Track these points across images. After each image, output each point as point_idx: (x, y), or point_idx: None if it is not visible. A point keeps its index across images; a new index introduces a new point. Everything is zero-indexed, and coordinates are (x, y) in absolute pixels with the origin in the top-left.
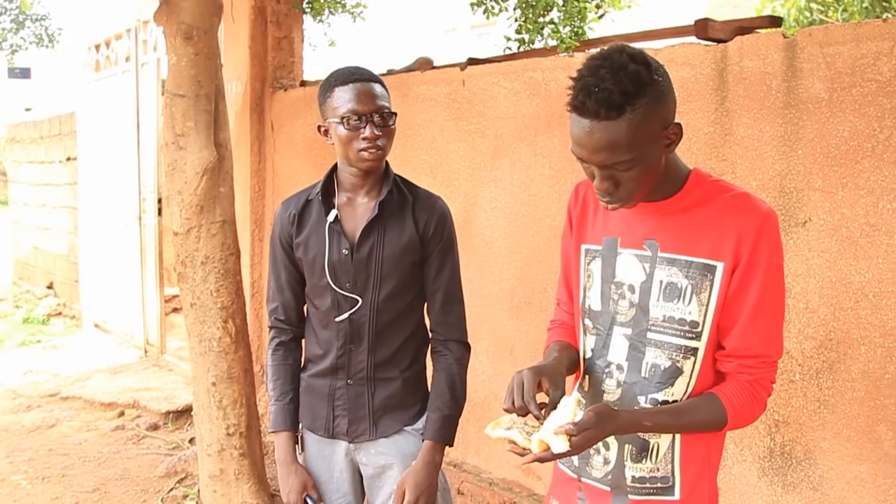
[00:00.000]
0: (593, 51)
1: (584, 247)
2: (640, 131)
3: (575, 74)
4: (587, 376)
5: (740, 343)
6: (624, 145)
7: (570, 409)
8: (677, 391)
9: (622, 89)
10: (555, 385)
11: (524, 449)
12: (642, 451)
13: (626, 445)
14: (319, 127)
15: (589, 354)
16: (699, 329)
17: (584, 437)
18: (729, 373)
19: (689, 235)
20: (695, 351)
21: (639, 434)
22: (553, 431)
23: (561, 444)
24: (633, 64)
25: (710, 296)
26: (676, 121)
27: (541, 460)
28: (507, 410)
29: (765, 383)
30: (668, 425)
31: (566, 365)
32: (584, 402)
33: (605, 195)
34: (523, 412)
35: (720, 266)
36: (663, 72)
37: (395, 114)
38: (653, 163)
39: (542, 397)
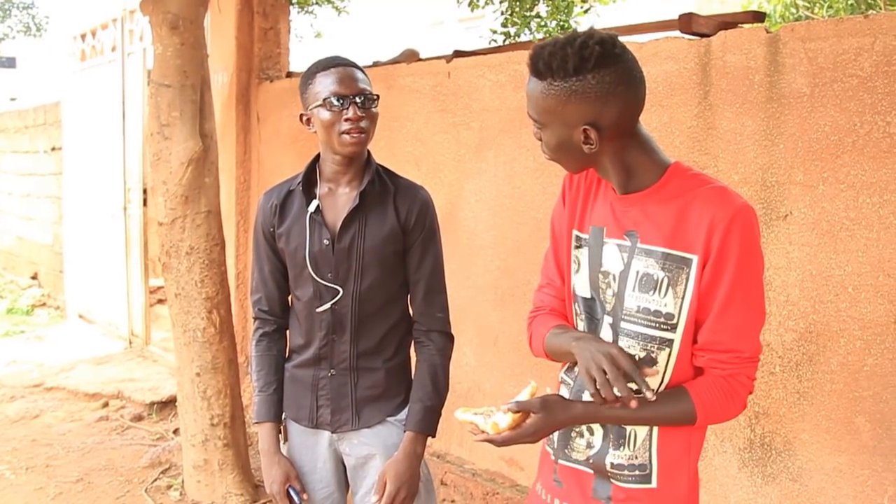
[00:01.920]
0: None
1: (574, 233)
2: (548, 105)
3: None
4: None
5: (711, 337)
6: (534, 105)
7: (526, 394)
8: (651, 382)
9: (549, 62)
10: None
11: (482, 430)
12: (620, 438)
13: (608, 432)
14: (302, 116)
15: None
16: (674, 321)
17: (532, 424)
18: (704, 367)
19: (666, 227)
20: (669, 343)
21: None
22: (502, 409)
23: (504, 420)
24: (576, 50)
25: (685, 289)
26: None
27: (492, 441)
28: (606, 399)
29: (741, 379)
30: (629, 418)
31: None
32: (562, 381)
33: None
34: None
35: (694, 259)
36: (609, 79)
37: (378, 97)
38: (563, 142)
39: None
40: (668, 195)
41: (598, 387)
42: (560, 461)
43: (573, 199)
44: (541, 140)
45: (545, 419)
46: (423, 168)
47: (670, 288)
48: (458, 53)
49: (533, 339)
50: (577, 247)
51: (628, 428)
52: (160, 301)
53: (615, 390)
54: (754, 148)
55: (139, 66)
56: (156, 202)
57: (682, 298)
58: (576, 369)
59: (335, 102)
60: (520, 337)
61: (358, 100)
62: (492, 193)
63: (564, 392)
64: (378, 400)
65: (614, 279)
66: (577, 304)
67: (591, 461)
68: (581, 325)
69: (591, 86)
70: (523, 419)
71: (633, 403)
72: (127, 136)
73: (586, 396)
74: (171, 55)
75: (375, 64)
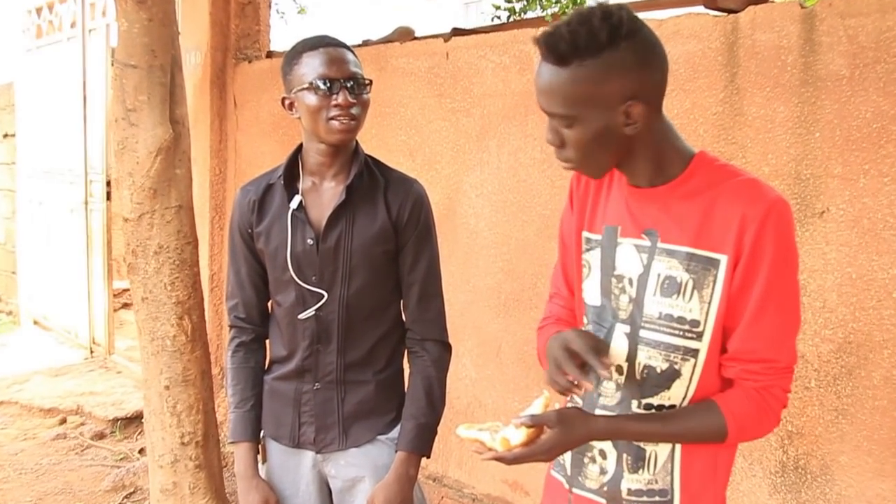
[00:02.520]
0: None
1: (584, 234)
2: (581, 90)
3: None
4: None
5: (743, 345)
6: (560, 98)
7: (539, 406)
8: (674, 395)
9: (574, 41)
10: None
11: (489, 448)
12: (638, 461)
13: (624, 454)
14: (284, 100)
15: None
16: (700, 329)
17: (547, 440)
18: (734, 379)
19: (691, 225)
20: (695, 353)
21: (634, 443)
22: (513, 424)
23: (517, 436)
24: (600, 22)
25: (712, 292)
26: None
27: (502, 459)
28: (562, 390)
29: (775, 392)
30: (655, 433)
31: None
32: (570, 398)
33: (556, 151)
34: (576, 377)
35: (723, 259)
36: (641, 45)
37: (370, 82)
38: (599, 132)
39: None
40: (693, 189)
41: (549, 375)
42: (574, 490)
43: (581, 198)
44: (561, 146)
45: (562, 434)
46: (417, 159)
47: (695, 291)
48: (458, 32)
49: (539, 351)
50: (588, 249)
51: (648, 448)
52: (125, 305)
53: (567, 377)
54: (787, 137)
55: (102, 44)
56: (121, 196)
57: (709, 303)
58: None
59: (323, 86)
60: (525, 347)
61: (349, 84)
62: (494, 187)
63: (577, 401)
64: (367, 416)
65: (631, 283)
66: (585, 314)
67: (605, 489)
68: None
69: (629, 53)
70: (537, 434)
71: (587, 385)
72: (88, 122)
73: (599, 412)
74: (137, 32)
75: (365, 43)
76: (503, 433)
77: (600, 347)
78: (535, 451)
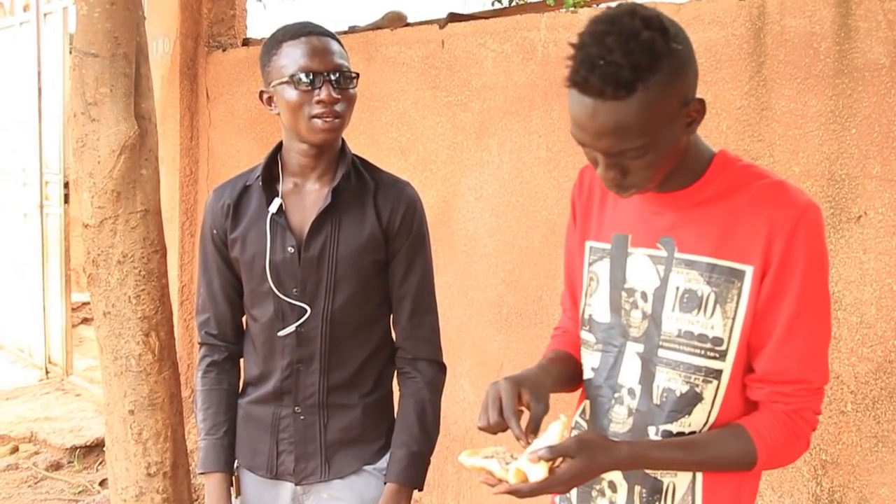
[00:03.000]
0: (602, 6)
1: (588, 244)
2: (654, 113)
3: (575, 41)
4: (587, 401)
5: (773, 366)
6: (634, 130)
7: (556, 433)
8: (695, 421)
9: (633, 63)
10: (537, 398)
11: (500, 479)
12: (654, 493)
13: (637, 486)
14: (262, 94)
15: (590, 375)
16: (723, 347)
17: (567, 470)
18: (761, 401)
19: (712, 233)
20: (718, 374)
21: (649, 471)
22: (527, 457)
23: (538, 471)
24: (646, 30)
25: (736, 307)
26: (699, 95)
27: (516, 492)
28: (483, 429)
29: (806, 415)
30: (681, 462)
31: (554, 376)
32: (575, 425)
33: (613, 185)
34: (500, 429)
35: (749, 270)
36: (683, 38)
37: (357, 75)
38: (669, 146)
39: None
40: (714, 193)
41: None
42: None
43: (585, 204)
44: (624, 175)
45: (583, 464)
46: (410, 158)
47: (718, 306)
48: (454, 17)
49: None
50: (595, 261)
51: (665, 480)
52: (85, 321)
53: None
54: (819, 133)
55: (59, 29)
56: (80, 199)
57: (733, 319)
58: (587, 411)
59: (304, 79)
60: (528, 365)
61: (333, 77)
62: (495, 190)
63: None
64: (353, 444)
65: (644, 297)
66: (590, 332)
67: None
68: (592, 360)
69: (682, 55)
70: (555, 464)
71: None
72: (44, 117)
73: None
74: (98, 17)
75: (352, 30)
76: (517, 465)
77: (539, 395)
78: (554, 483)
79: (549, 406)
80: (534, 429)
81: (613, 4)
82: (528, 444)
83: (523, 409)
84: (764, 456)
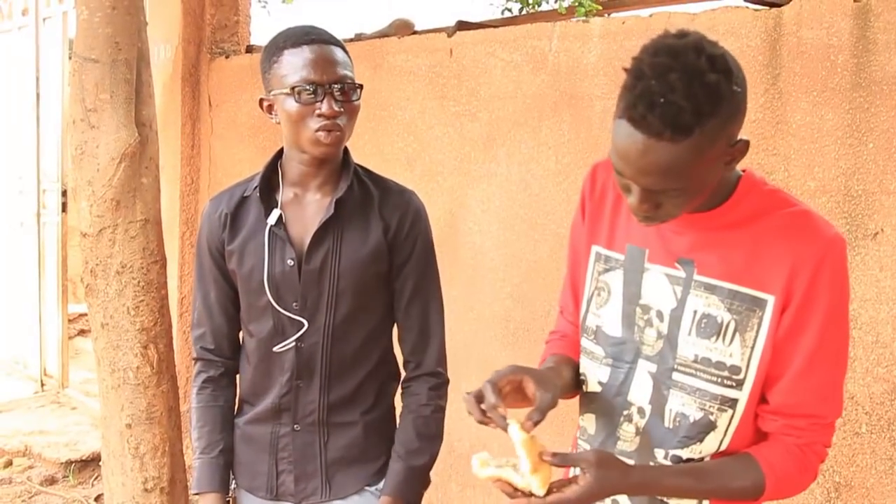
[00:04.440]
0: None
1: (596, 249)
2: (703, 156)
3: (630, 67)
4: (592, 416)
5: (789, 399)
6: (682, 171)
7: (519, 440)
8: (706, 449)
9: (696, 107)
10: (544, 388)
11: (516, 488)
12: None
13: None
14: (262, 101)
15: (597, 389)
16: (741, 376)
17: (583, 488)
18: (772, 433)
19: (736, 259)
20: (733, 403)
21: (658, 497)
22: (529, 468)
23: (538, 486)
24: (712, 73)
25: (756, 336)
26: (744, 137)
27: None
28: (476, 410)
29: (817, 448)
30: (690, 489)
31: (564, 378)
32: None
33: (641, 216)
34: (487, 410)
35: (770, 300)
36: (742, 79)
37: (361, 86)
38: (708, 185)
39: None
40: (739, 218)
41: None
42: None
43: (597, 205)
44: (656, 208)
45: (599, 481)
46: (416, 169)
47: (737, 334)
48: (463, 25)
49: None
50: (606, 270)
51: (672, 502)
52: (82, 332)
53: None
54: (836, 147)
55: (58, 34)
56: (78, 208)
57: (752, 348)
58: (581, 419)
59: (305, 92)
60: None
61: (335, 90)
62: (503, 202)
63: (583, 444)
64: (354, 463)
65: (660, 317)
66: (597, 344)
67: None
68: (603, 374)
69: (740, 98)
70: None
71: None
72: (42, 123)
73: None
74: (99, 22)
75: (359, 37)
76: (530, 472)
77: (546, 385)
78: (569, 498)
79: (557, 400)
80: (537, 419)
81: (626, 14)
82: (502, 417)
83: (530, 396)
84: (772, 488)
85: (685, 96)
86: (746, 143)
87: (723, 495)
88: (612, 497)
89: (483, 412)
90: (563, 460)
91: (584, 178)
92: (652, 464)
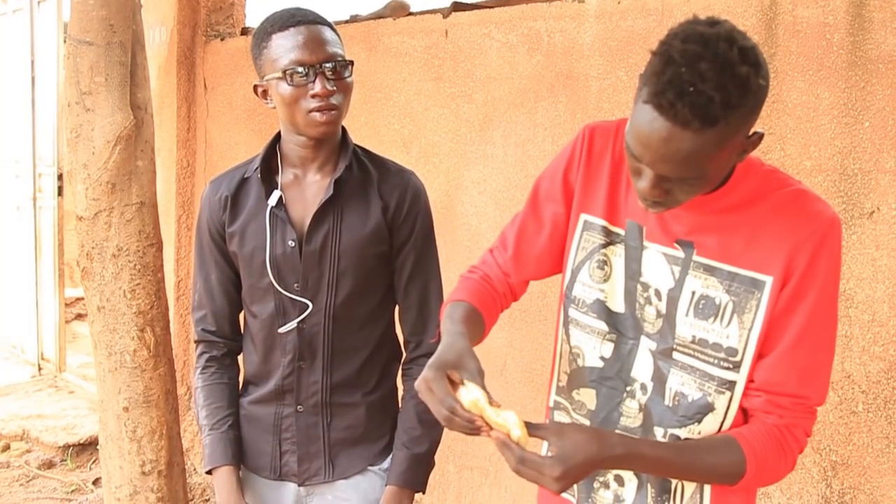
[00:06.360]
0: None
1: (586, 217)
2: (724, 147)
3: (659, 51)
4: (592, 391)
5: (773, 376)
6: (701, 161)
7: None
8: (706, 430)
9: (725, 98)
10: (468, 370)
11: (495, 428)
12: (663, 493)
13: (647, 484)
14: (256, 88)
15: (599, 364)
16: (738, 358)
17: (557, 460)
18: (755, 410)
19: (735, 241)
20: (731, 385)
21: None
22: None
23: (514, 426)
24: (743, 65)
25: (754, 318)
26: (759, 129)
27: (508, 447)
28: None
29: (797, 433)
30: (669, 462)
31: (469, 338)
32: (558, 407)
33: (649, 201)
34: (458, 424)
35: (769, 281)
36: (767, 73)
37: (351, 63)
38: (721, 174)
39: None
40: (738, 200)
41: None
42: None
43: (592, 173)
44: (666, 194)
45: (568, 448)
46: (413, 151)
47: (735, 316)
48: (458, 6)
49: (450, 298)
50: (608, 243)
51: (675, 479)
52: (79, 316)
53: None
54: (832, 126)
55: (53, 17)
56: (74, 191)
57: (750, 330)
58: (576, 393)
59: (297, 73)
60: (533, 363)
61: (326, 69)
62: (499, 183)
63: (561, 417)
64: (357, 444)
65: (658, 295)
66: (598, 319)
67: None
68: (606, 349)
69: (764, 92)
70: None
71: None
72: (37, 106)
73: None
74: (93, 4)
75: (354, 19)
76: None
77: (467, 366)
78: (545, 466)
79: (482, 368)
80: (489, 399)
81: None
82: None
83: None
84: (752, 471)
85: (715, 87)
86: (761, 136)
87: (703, 473)
88: (613, 475)
89: (471, 421)
90: (530, 428)
91: (576, 137)
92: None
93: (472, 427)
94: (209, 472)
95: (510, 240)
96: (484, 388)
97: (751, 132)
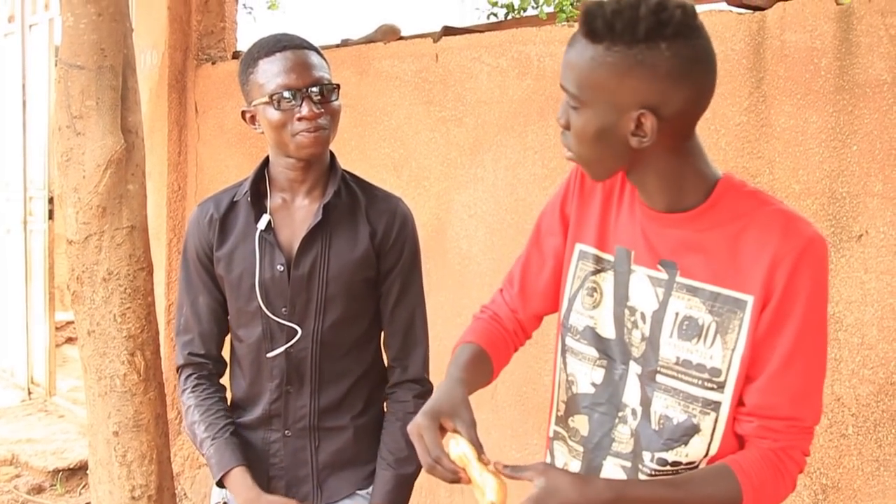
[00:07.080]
0: None
1: (581, 248)
2: (598, 77)
3: None
4: (584, 417)
5: (764, 399)
6: (577, 75)
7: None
8: (693, 453)
9: (612, 22)
10: (461, 420)
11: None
12: None
13: None
14: (244, 113)
15: (590, 390)
16: (721, 378)
17: (533, 499)
18: (748, 436)
19: (717, 260)
20: (716, 406)
21: None
22: (485, 473)
23: (490, 491)
24: (648, 11)
25: (737, 338)
26: (664, 118)
27: None
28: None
29: (794, 454)
30: (664, 499)
31: (469, 385)
32: (556, 436)
33: (561, 129)
34: (441, 473)
35: (750, 300)
36: (684, 54)
37: (338, 87)
38: (602, 130)
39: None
40: (719, 219)
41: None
42: None
43: (584, 204)
44: (566, 128)
45: (547, 488)
46: (403, 175)
47: (718, 336)
48: (449, 31)
49: (460, 340)
50: (598, 271)
51: None
52: (69, 340)
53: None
54: (820, 150)
55: (44, 41)
56: (65, 215)
57: (733, 350)
58: (571, 420)
59: (284, 98)
60: (524, 388)
61: (313, 93)
62: (490, 207)
63: (560, 450)
64: (345, 468)
65: (643, 319)
66: (588, 346)
67: None
68: (596, 376)
69: (663, 58)
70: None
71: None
72: (28, 130)
73: (611, 459)
74: (84, 28)
75: (345, 43)
76: (490, 488)
77: (461, 416)
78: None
79: (475, 420)
80: (480, 449)
81: None
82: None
83: (455, 433)
84: (749, 497)
85: (612, 11)
86: (655, 123)
87: (699, 502)
88: None
89: (454, 472)
90: (513, 471)
91: (570, 172)
92: (640, 467)
93: (454, 477)
94: (220, 481)
95: (516, 276)
96: (476, 439)
97: (642, 108)
